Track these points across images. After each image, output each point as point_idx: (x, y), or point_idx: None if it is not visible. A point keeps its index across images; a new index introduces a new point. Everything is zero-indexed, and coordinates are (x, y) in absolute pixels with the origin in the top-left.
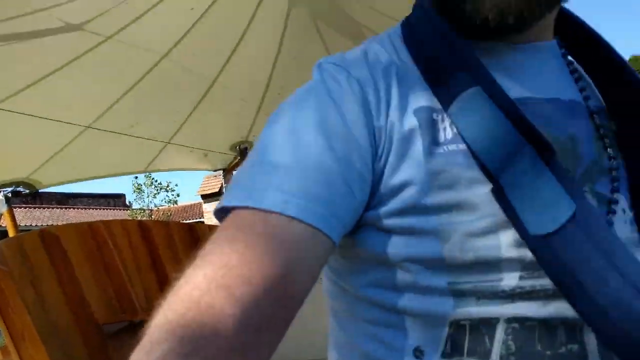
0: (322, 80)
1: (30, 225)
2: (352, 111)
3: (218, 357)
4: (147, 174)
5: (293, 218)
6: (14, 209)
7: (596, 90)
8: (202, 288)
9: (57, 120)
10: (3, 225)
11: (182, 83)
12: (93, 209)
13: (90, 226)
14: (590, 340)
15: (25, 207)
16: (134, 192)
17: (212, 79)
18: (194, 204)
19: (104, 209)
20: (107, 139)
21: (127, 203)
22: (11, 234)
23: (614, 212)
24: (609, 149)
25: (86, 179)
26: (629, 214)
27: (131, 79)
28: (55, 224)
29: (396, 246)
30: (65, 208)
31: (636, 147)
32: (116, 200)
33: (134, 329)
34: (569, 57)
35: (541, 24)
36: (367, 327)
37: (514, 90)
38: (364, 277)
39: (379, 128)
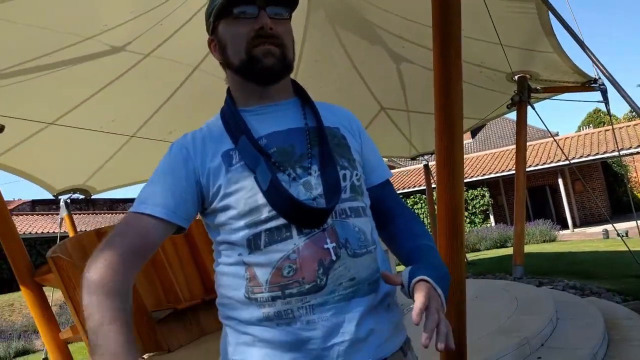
0: (170, 151)
1: (85, 230)
2: (178, 161)
3: (116, 261)
4: None
5: (147, 214)
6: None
7: (313, 117)
8: (110, 239)
9: (106, 132)
10: (63, 231)
11: (212, 91)
12: None
13: None
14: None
15: (79, 214)
16: None
17: None
18: None
19: None
20: (149, 146)
21: None
22: (71, 235)
23: (309, 173)
24: (310, 146)
25: (133, 184)
26: (318, 172)
27: (168, 91)
28: None
29: (218, 216)
30: (115, 213)
31: (321, 142)
32: None
33: (178, 315)
34: (306, 105)
35: (280, 88)
36: (221, 251)
37: (266, 128)
38: (218, 233)
39: (195, 167)
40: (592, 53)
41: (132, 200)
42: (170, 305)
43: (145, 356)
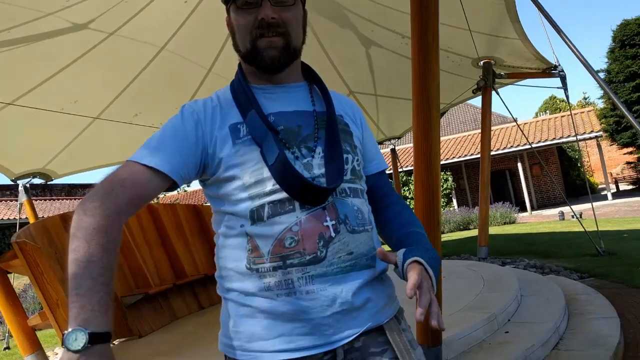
0: (181, 112)
1: (43, 217)
2: (190, 124)
3: (115, 211)
4: None
5: (152, 167)
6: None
7: (323, 102)
8: (110, 184)
9: (68, 113)
10: (25, 217)
11: (180, 72)
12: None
13: None
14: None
15: (37, 200)
16: None
17: (208, 68)
18: (198, 189)
19: None
20: (113, 129)
21: None
22: (32, 221)
23: (313, 155)
24: (317, 128)
25: (96, 168)
26: (321, 153)
27: (133, 72)
28: None
29: (223, 186)
30: (75, 199)
31: (328, 126)
32: None
33: (149, 300)
34: (315, 88)
35: (289, 72)
36: (223, 222)
37: (274, 107)
38: (220, 204)
39: (204, 133)
40: (564, 33)
41: (92, 185)
42: (140, 291)
43: (116, 342)
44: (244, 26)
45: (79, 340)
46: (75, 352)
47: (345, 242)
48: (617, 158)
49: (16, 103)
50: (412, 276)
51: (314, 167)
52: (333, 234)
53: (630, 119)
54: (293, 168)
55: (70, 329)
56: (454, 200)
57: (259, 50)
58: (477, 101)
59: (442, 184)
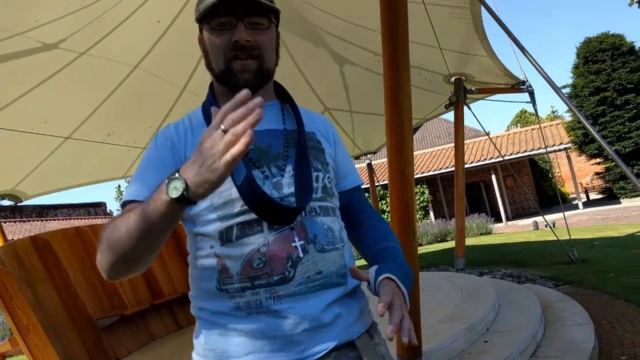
0: (155, 142)
1: (13, 239)
2: (165, 150)
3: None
4: (127, 179)
5: (130, 201)
6: None
7: (293, 120)
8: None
9: (38, 134)
10: None
11: (153, 91)
12: (74, 219)
13: (78, 230)
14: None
15: (6, 222)
16: (117, 199)
17: (182, 86)
18: None
19: (85, 219)
20: (86, 149)
21: (108, 211)
22: (0, 244)
23: (282, 174)
24: (287, 147)
25: (68, 188)
26: (291, 172)
27: (105, 91)
28: None
29: (193, 207)
30: (46, 220)
31: (298, 144)
32: (97, 208)
33: (125, 321)
34: (287, 107)
35: (261, 93)
36: (194, 242)
37: None
38: (192, 225)
39: (180, 157)
40: (527, 51)
41: (64, 207)
42: (115, 312)
43: None
44: (218, 47)
45: (179, 188)
46: (175, 199)
47: (314, 262)
48: (586, 168)
49: None
50: (384, 293)
51: (284, 186)
52: (301, 254)
53: (593, 132)
54: (260, 188)
55: (171, 178)
56: (431, 213)
57: (233, 72)
58: (451, 115)
59: (418, 197)
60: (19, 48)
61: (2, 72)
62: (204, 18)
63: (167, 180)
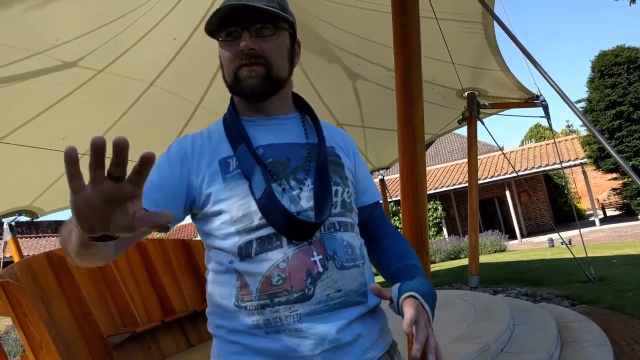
0: (168, 150)
1: (28, 255)
2: (175, 160)
3: None
4: None
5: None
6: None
7: (314, 134)
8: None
9: (56, 150)
10: (9, 256)
11: (169, 107)
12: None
13: None
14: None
15: (22, 237)
16: None
17: (197, 103)
18: (187, 224)
19: None
20: None
21: None
22: (16, 260)
23: (301, 188)
24: (309, 161)
25: None
26: (311, 186)
27: (122, 108)
28: None
29: (211, 221)
30: None
31: (319, 158)
32: None
33: (136, 339)
34: (307, 119)
35: (278, 104)
36: (213, 257)
37: (265, 139)
38: (210, 239)
39: (190, 169)
40: (540, 66)
41: None
42: (127, 329)
43: None
44: (227, 57)
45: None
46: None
47: (333, 279)
48: (602, 184)
49: (3, 141)
50: (408, 311)
51: (302, 199)
52: (321, 270)
53: (607, 147)
54: (279, 202)
55: None
56: (444, 229)
57: (239, 79)
58: (464, 130)
59: (431, 213)
60: (40, 67)
61: (23, 90)
62: (214, 32)
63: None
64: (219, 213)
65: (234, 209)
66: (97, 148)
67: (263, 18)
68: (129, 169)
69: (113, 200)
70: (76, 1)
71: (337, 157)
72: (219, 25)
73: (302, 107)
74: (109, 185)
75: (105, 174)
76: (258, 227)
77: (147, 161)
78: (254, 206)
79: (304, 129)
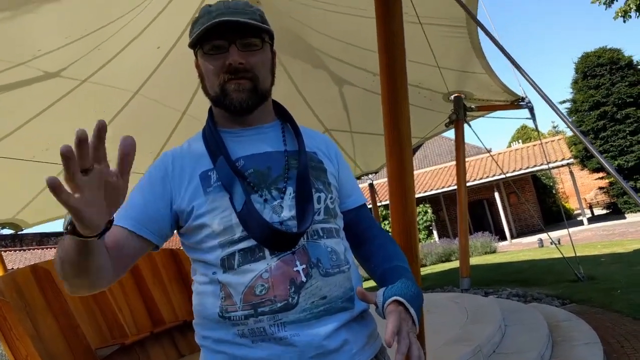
0: (150, 169)
1: (13, 268)
2: (157, 179)
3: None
4: None
5: (120, 226)
6: None
7: (294, 141)
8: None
9: (39, 161)
10: None
11: (155, 116)
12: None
13: None
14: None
15: (6, 250)
16: None
17: (182, 111)
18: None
19: None
20: None
21: None
22: (0, 274)
23: (282, 197)
24: (287, 169)
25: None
26: (293, 194)
27: (106, 117)
28: None
29: (194, 235)
30: (46, 248)
31: (299, 165)
32: None
33: (125, 351)
34: (287, 127)
35: (259, 114)
36: (197, 269)
37: (245, 150)
38: (194, 252)
39: (172, 187)
40: (523, 70)
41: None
42: (116, 341)
43: None
44: (212, 71)
45: (65, 224)
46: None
47: (318, 287)
48: (589, 184)
49: None
50: (391, 321)
51: (284, 209)
52: (304, 279)
53: (591, 148)
54: (259, 215)
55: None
56: (435, 232)
57: (227, 93)
58: (452, 133)
59: (421, 216)
60: (21, 77)
61: (5, 102)
62: (197, 43)
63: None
64: (201, 227)
65: (215, 223)
66: (67, 156)
67: (250, 32)
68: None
69: (99, 186)
70: (58, 11)
71: (319, 162)
72: (202, 38)
73: (281, 114)
74: (87, 179)
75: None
76: (240, 240)
77: (101, 128)
78: (235, 219)
79: (283, 137)
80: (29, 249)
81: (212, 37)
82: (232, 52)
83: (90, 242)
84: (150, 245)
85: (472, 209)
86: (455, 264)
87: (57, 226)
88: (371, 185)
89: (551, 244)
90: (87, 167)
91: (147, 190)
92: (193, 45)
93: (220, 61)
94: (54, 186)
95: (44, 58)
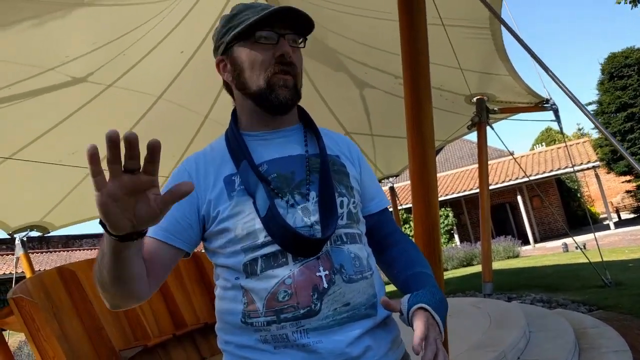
0: (172, 176)
1: (40, 270)
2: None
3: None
4: None
5: (151, 237)
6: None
7: (315, 144)
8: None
9: (66, 165)
10: (21, 271)
11: (177, 120)
12: (98, 248)
13: None
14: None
15: (33, 252)
16: None
17: (205, 115)
18: None
19: None
20: None
21: None
22: (28, 275)
23: (307, 199)
24: (309, 173)
25: (94, 218)
26: (316, 199)
27: (130, 121)
28: None
29: (217, 239)
30: (72, 250)
31: (321, 169)
32: None
33: (148, 352)
34: (309, 130)
35: (288, 116)
36: (220, 274)
37: (269, 154)
38: (217, 257)
39: (197, 192)
40: (550, 70)
41: (89, 237)
42: (139, 343)
43: None
44: (261, 62)
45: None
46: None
47: (341, 293)
48: (616, 187)
49: (14, 157)
50: (418, 327)
51: (308, 214)
52: (327, 285)
53: (620, 149)
54: (283, 221)
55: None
56: (456, 236)
57: (274, 88)
58: (474, 136)
59: (443, 220)
60: (50, 83)
61: (33, 107)
62: (243, 33)
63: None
64: (224, 231)
65: (238, 227)
66: (112, 140)
67: (300, 27)
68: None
69: (133, 191)
70: (85, 18)
71: (342, 166)
72: (254, 27)
73: (302, 117)
74: (126, 178)
75: (122, 169)
76: (263, 245)
77: (154, 149)
78: (258, 224)
79: (305, 140)
80: (55, 251)
81: (263, 27)
82: (284, 43)
83: (122, 244)
84: (182, 254)
85: (495, 213)
86: (477, 268)
87: (83, 229)
88: (392, 189)
89: (576, 248)
90: (133, 167)
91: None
92: (235, 36)
93: (270, 52)
94: (92, 155)
95: (71, 64)
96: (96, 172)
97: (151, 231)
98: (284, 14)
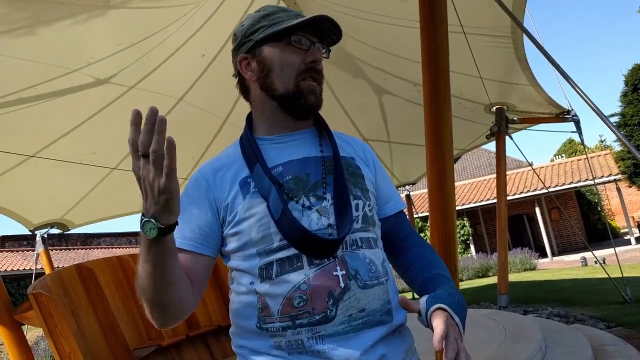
0: (189, 184)
1: (58, 267)
2: (201, 192)
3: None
4: None
5: (181, 249)
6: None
7: (330, 146)
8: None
9: (87, 164)
10: (40, 267)
11: (197, 123)
12: (116, 247)
13: (120, 259)
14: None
15: (52, 249)
16: None
17: (224, 118)
18: None
19: (126, 247)
20: (131, 179)
21: None
22: (48, 272)
23: (323, 201)
24: (325, 174)
25: (113, 217)
26: (331, 201)
27: None
28: None
29: (232, 242)
30: (90, 248)
31: (335, 171)
32: (138, 237)
33: (161, 352)
34: (323, 133)
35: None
36: (235, 278)
37: (283, 156)
38: (231, 260)
39: (215, 197)
40: (572, 80)
41: (107, 235)
42: (153, 342)
43: None
44: (292, 65)
45: (154, 227)
46: (159, 235)
47: (356, 299)
48: (638, 201)
49: (38, 155)
50: (439, 325)
51: (323, 216)
52: (342, 291)
53: None
54: (298, 223)
55: (142, 224)
56: (472, 247)
57: (304, 93)
58: (492, 146)
59: (459, 230)
60: (75, 84)
61: (57, 107)
62: (277, 34)
63: (141, 230)
64: (239, 234)
65: (253, 230)
66: (153, 115)
67: (330, 38)
68: None
69: (157, 164)
70: (111, 20)
71: (357, 168)
72: (287, 30)
73: (317, 120)
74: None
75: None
76: (278, 249)
77: (170, 145)
78: (273, 227)
79: (320, 142)
80: (74, 249)
81: (298, 31)
82: (316, 51)
83: (163, 239)
84: (213, 260)
85: (512, 224)
86: (492, 279)
87: (101, 227)
88: (408, 197)
89: (595, 262)
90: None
91: (194, 207)
92: (268, 37)
93: (300, 57)
94: (135, 119)
95: (96, 65)
96: (134, 139)
97: (179, 243)
98: (322, 23)
